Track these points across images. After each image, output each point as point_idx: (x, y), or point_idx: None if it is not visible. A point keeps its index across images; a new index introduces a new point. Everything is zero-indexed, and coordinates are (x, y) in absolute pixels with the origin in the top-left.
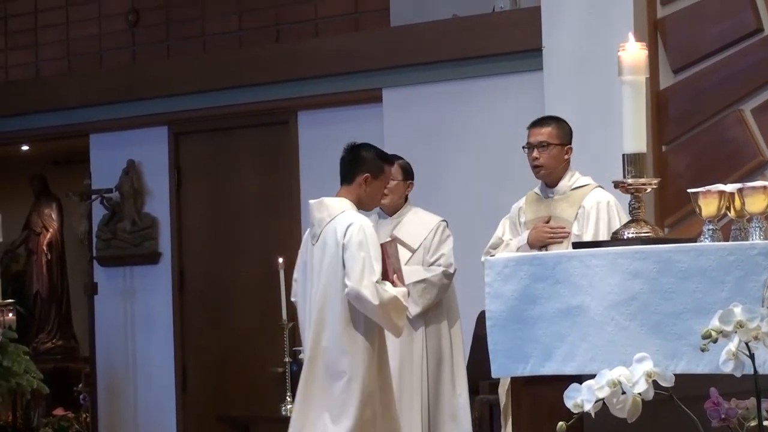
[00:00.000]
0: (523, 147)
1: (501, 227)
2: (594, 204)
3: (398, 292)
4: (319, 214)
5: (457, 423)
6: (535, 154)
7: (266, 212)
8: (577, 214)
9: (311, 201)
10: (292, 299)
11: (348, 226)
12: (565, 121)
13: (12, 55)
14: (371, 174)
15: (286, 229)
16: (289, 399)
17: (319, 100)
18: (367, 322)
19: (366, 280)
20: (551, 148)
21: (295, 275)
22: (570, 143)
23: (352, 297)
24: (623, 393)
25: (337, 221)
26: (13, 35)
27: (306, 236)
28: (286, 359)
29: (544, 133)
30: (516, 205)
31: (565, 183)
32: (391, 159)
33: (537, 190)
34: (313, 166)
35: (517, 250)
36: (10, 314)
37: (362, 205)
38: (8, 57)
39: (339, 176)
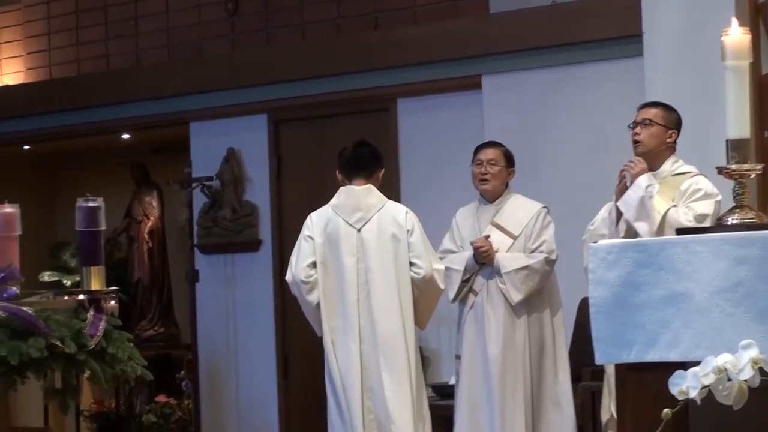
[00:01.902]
0: (629, 126)
1: (605, 210)
2: (688, 185)
3: None
4: (371, 200)
5: (560, 410)
6: (637, 130)
7: None
8: (674, 197)
9: (356, 188)
10: (303, 278)
11: (405, 213)
12: (674, 109)
13: (112, 45)
14: (383, 169)
15: None
16: None
17: (419, 87)
18: None
19: (436, 265)
20: (653, 127)
21: (313, 259)
22: (675, 129)
23: (425, 280)
24: (729, 380)
25: (389, 208)
26: (114, 24)
27: (329, 221)
28: None
29: (650, 112)
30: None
31: (667, 167)
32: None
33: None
34: (413, 152)
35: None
36: (113, 302)
37: None
38: (108, 46)
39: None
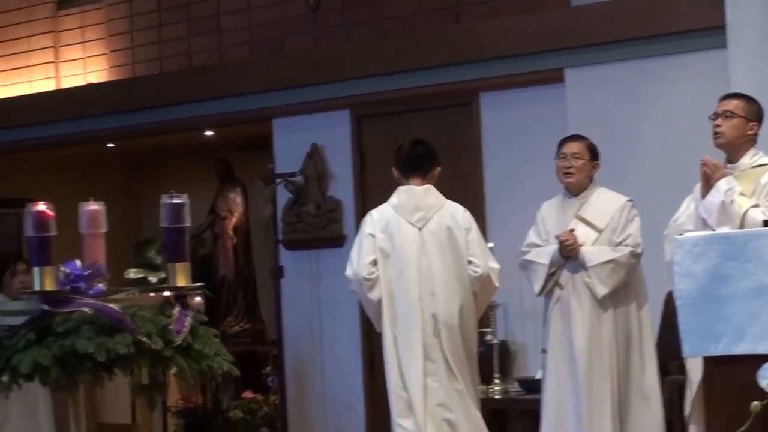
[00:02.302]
0: (710, 117)
1: (685, 204)
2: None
3: None
4: (431, 200)
5: (647, 403)
6: (718, 121)
7: (449, 194)
8: (754, 190)
9: (416, 188)
10: (366, 275)
11: (463, 212)
12: (756, 101)
13: (195, 42)
14: (440, 167)
15: (469, 211)
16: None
17: (501, 81)
18: None
19: (492, 264)
20: (734, 119)
21: (375, 256)
22: (757, 121)
23: (482, 277)
24: None
25: (448, 207)
26: (196, 21)
27: (390, 219)
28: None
29: (732, 104)
30: (698, 185)
31: (746, 160)
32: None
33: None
34: (496, 146)
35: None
36: (198, 298)
37: None
38: (191, 43)
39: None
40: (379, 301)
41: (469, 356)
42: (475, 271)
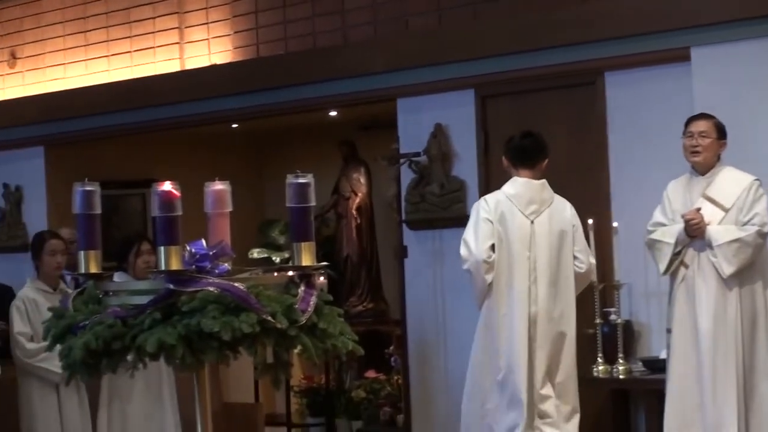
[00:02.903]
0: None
1: None
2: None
3: None
4: (545, 194)
5: None
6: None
7: (575, 173)
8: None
9: (534, 182)
10: (485, 258)
11: (571, 209)
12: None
13: (319, 22)
14: (547, 159)
15: (594, 190)
16: (600, 360)
17: (626, 60)
18: None
19: (592, 259)
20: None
21: (493, 241)
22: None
23: (587, 272)
24: None
25: (558, 202)
26: (320, 2)
27: (505, 208)
28: (597, 320)
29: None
30: None
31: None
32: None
33: None
34: (622, 126)
35: None
36: (322, 278)
37: None
38: (315, 24)
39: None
40: (490, 284)
41: (569, 347)
42: (580, 267)
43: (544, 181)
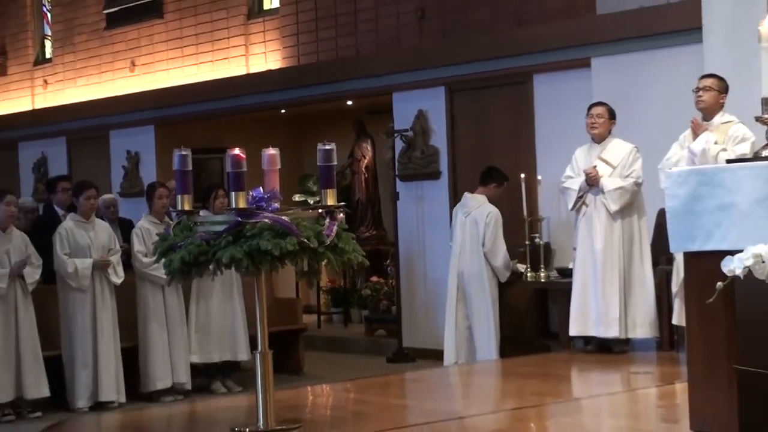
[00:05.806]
0: (693, 90)
1: (674, 148)
2: (733, 132)
3: None
4: (473, 202)
5: (644, 288)
6: (700, 93)
7: (513, 143)
8: (724, 140)
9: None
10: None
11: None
12: (722, 78)
13: (340, 40)
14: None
15: (525, 155)
16: (528, 269)
17: (549, 66)
18: None
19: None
20: (711, 92)
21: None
22: (725, 93)
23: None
24: (763, 262)
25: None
26: (342, 26)
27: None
28: (527, 242)
29: (709, 81)
30: (682, 135)
31: (717, 119)
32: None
33: (686, 133)
34: (545, 111)
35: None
36: (341, 214)
37: (492, 201)
38: (338, 41)
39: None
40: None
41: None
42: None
43: (468, 194)
